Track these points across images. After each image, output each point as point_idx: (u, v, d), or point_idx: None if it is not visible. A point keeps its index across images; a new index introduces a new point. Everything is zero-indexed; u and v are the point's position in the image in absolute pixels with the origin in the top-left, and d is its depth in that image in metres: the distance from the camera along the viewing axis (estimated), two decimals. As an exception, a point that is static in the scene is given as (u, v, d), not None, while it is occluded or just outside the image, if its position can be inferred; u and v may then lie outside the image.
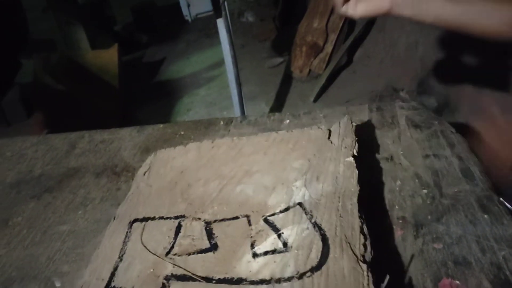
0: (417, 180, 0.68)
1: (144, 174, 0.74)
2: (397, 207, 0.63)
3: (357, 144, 0.66)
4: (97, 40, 3.36)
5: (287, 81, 3.01)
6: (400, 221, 0.61)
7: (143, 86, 3.41)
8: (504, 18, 0.66)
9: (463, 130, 0.80)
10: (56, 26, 3.25)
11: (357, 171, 0.60)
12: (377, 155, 0.74)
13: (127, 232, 0.61)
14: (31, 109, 2.61)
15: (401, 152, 0.74)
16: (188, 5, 1.58)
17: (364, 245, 0.48)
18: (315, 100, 2.62)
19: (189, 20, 1.62)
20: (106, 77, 2.94)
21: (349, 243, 0.48)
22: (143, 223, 0.63)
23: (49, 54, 2.88)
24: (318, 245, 0.49)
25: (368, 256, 0.47)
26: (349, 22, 2.88)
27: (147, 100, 3.16)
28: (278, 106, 2.76)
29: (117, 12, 4.22)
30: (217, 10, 1.68)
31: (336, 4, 0.75)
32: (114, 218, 0.65)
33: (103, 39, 3.42)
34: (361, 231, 0.50)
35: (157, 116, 2.90)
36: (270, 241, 0.52)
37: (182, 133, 0.92)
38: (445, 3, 0.68)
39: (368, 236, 0.50)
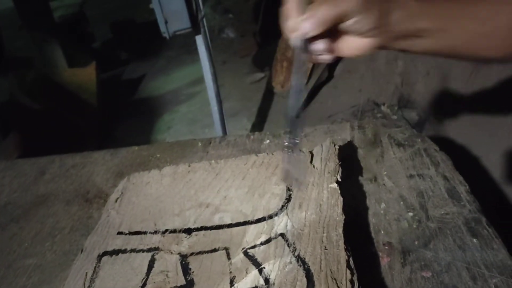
0: (402, 203, 0.65)
1: (116, 201, 0.69)
2: (382, 232, 0.61)
3: (340, 169, 0.63)
4: (75, 57, 3.29)
5: (268, 96, 2.99)
6: (386, 247, 0.58)
7: (123, 104, 3.35)
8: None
9: (446, 145, 0.78)
10: (33, 43, 3.17)
11: (341, 198, 0.57)
12: (360, 176, 0.72)
13: (95, 267, 0.56)
14: (7, 129, 2.53)
15: (385, 173, 0.72)
16: (166, 22, 1.55)
17: (351, 281, 0.44)
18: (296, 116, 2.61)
19: (167, 37, 1.59)
20: (84, 96, 2.87)
21: (335, 279, 0.44)
22: (113, 256, 0.58)
23: (25, 73, 2.80)
24: (302, 281, 0.46)
25: (356, 294, 0.43)
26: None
27: (127, 118, 3.09)
28: (259, 122, 2.74)
29: (96, 29, 4.17)
30: (195, 27, 1.65)
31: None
32: (81, 251, 0.60)
33: (81, 57, 3.35)
34: (348, 266, 0.46)
35: (137, 134, 2.84)
36: (251, 278, 0.48)
37: (158, 155, 0.88)
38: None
39: (355, 271, 0.46)
